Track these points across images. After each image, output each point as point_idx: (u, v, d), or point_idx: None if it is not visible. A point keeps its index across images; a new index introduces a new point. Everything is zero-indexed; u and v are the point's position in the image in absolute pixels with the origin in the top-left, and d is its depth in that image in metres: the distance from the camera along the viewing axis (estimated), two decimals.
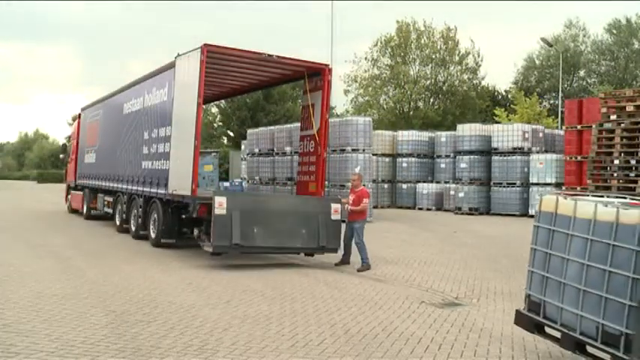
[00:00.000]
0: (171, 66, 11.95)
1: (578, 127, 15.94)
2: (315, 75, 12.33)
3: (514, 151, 22.37)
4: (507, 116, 35.78)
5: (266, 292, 8.10)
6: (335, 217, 10.47)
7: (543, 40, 39.98)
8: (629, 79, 43.59)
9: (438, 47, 42.90)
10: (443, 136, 26.22)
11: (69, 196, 21.49)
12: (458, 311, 7.22)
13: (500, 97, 46.85)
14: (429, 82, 43.57)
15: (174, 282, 8.68)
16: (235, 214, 9.58)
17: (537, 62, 48.64)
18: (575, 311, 4.71)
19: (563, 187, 16.97)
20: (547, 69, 47.56)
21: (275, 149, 22.88)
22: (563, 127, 20.04)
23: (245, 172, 26.12)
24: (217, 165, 23.39)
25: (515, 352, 5.61)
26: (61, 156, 24.38)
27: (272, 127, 24.81)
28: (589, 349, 4.67)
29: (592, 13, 75.49)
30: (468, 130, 23.85)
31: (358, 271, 9.89)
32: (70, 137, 24.72)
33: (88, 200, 18.47)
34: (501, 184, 22.32)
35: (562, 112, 27.40)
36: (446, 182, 24.60)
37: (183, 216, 11.53)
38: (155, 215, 12.45)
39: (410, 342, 5.83)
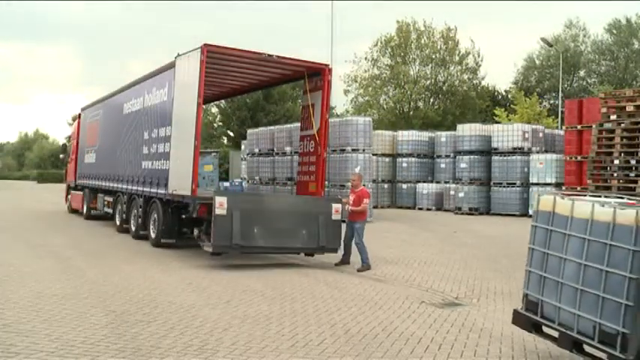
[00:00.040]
0: (171, 66, 11.95)
1: (578, 127, 15.93)
2: (315, 75, 12.33)
3: (514, 151, 22.38)
4: (507, 116, 35.78)
5: (266, 292, 8.10)
6: (335, 217, 10.46)
7: (543, 40, 39.99)
8: (629, 79, 43.59)
9: (438, 47, 42.90)
10: (443, 136, 26.22)
11: (69, 196, 21.49)
12: (458, 311, 7.22)
13: (500, 97, 46.86)
14: (429, 82, 43.57)
15: (174, 282, 8.68)
16: (236, 214, 9.58)
17: (537, 62, 48.65)
18: (573, 310, 4.73)
19: (563, 187, 16.96)
20: (547, 69, 47.57)
21: (275, 149, 22.89)
22: (563, 127, 20.03)
23: (245, 172, 26.13)
24: (217, 165, 23.39)
25: (515, 352, 5.61)
26: (61, 156, 24.38)
27: (272, 127, 24.81)
28: (586, 348, 4.69)
29: (592, 13, 75.62)
30: (468, 130, 23.85)
31: (358, 271, 9.89)
32: (70, 137, 24.74)
33: (88, 200, 18.47)
34: (501, 184, 22.32)
35: (562, 112, 27.40)
36: (446, 182, 24.60)
37: (183, 216, 11.53)
38: (155, 215, 12.45)
39: (410, 342, 5.83)
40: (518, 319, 5.42)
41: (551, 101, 45.80)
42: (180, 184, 11.13)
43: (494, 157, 22.77)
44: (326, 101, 12.02)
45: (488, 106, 42.73)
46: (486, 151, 23.14)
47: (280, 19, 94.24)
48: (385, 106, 44.28)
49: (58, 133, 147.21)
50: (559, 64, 38.72)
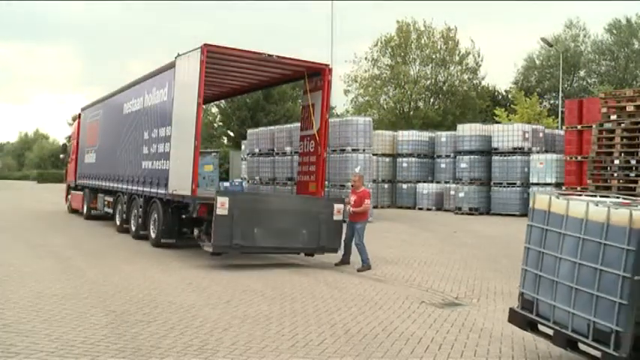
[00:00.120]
0: (171, 66, 11.95)
1: (579, 127, 15.92)
2: (315, 75, 12.33)
3: (514, 151, 22.38)
4: (507, 116, 35.78)
5: (266, 292, 8.10)
6: (337, 217, 10.46)
7: (543, 40, 39.98)
8: (629, 79, 43.58)
9: (438, 47, 42.90)
10: (443, 136, 26.23)
11: (69, 196, 21.49)
12: (458, 311, 7.22)
13: (500, 97, 46.86)
14: (429, 82, 43.58)
15: (174, 282, 8.68)
16: (237, 215, 9.58)
17: (537, 62, 48.64)
18: (568, 309, 4.78)
19: (564, 187, 16.95)
20: (547, 69, 47.55)
21: (275, 149, 22.88)
22: (564, 127, 20.02)
23: (245, 172, 26.12)
24: (217, 165, 23.43)
25: (515, 352, 5.61)
26: (61, 156, 24.39)
27: (272, 127, 24.81)
28: (581, 346, 4.73)
29: (592, 13, 75.62)
30: (468, 130, 23.85)
31: (358, 271, 9.89)
32: (70, 137, 24.73)
33: (88, 200, 18.47)
34: (501, 184, 22.32)
35: (562, 112, 27.39)
36: (446, 182, 24.60)
37: (184, 216, 11.53)
38: (155, 215, 12.45)
39: (410, 342, 5.83)
40: (514, 317, 5.46)
41: (552, 101, 45.80)
42: (180, 184, 11.13)
43: (495, 157, 22.77)
44: (326, 101, 12.02)
45: (489, 106, 42.74)
46: (486, 151, 23.14)
47: (280, 19, 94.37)
48: (385, 106, 44.28)
49: (58, 133, 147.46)
50: (559, 64, 38.71)
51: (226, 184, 26.08)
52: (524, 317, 5.28)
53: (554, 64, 45.04)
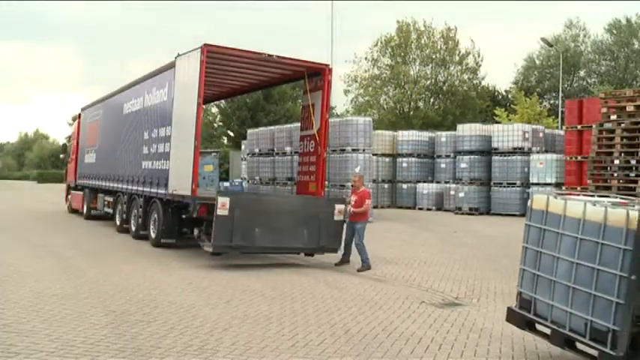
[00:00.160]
0: (171, 66, 11.95)
1: (579, 127, 15.91)
2: (315, 75, 12.33)
3: (514, 151, 22.38)
4: (507, 116, 35.78)
5: (266, 292, 8.10)
6: (338, 217, 10.46)
7: (543, 40, 39.98)
8: (629, 79, 43.58)
9: (438, 47, 42.89)
10: (443, 136, 26.23)
11: (69, 196, 21.49)
12: (458, 311, 7.22)
13: (500, 97, 46.85)
14: (429, 82, 43.57)
15: (174, 282, 8.68)
16: (237, 215, 9.57)
17: (537, 62, 48.64)
18: (565, 308, 4.80)
19: (564, 187, 16.95)
20: (547, 69, 47.55)
21: (275, 149, 22.88)
22: (564, 127, 20.01)
23: (245, 172, 26.12)
24: (217, 165, 23.40)
25: (515, 352, 5.61)
26: (61, 156, 24.39)
27: (272, 127, 24.81)
28: (578, 345, 4.75)
29: (592, 13, 75.61)
30: (468, 130, 23.85)
31: (358, 271, 9.89)
32: (70, 137, 24.73)
33: (88, 200, 18.47)
34: (501, 184, 22.32)
35: (562, 112, 27.39)
36: (446, 182, 24.60)
37: (184, 216, 11.53)
38: (155, 215, 12.45)
39: (410, 342, 5.83)
40: (512, 316, 5.48)
41: (552, 101, 45.80)
42: (180, 184, 11.13)
43: (495, 157, 22.77)
44: (326, 101, 12.02)
45: (489, 106, 42.73)
46: (486, 151, 23.14)
47: (280, 19, 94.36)
48: (385, 106, 44.28)
49: (58, 133, 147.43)
50: (559, 64, 38.71)
51: (226, 184, 26.08)
52: (522, 316, 5.31)
53: (554, 64, 45.04)
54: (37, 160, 78.09)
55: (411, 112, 42.97)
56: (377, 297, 7.92)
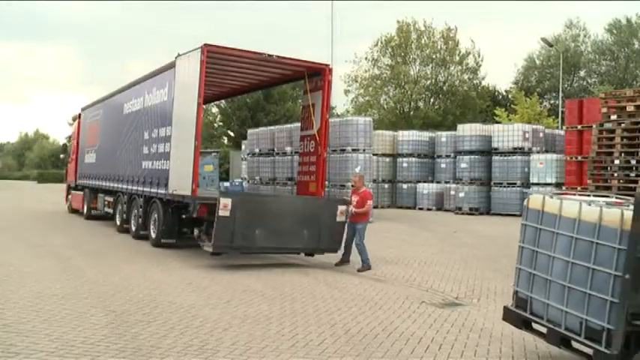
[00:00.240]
0: (171, 66, 11.95)
1: (579, 127, 15.91)
2: (316, 75, 12.33)
3: (514, 151, 22.37)
4: (508, 116, 35.77)
5: (266, 292, 8.10)
6: (340, 218, 10.45)
7: (543, 40, 39.97)
8: (630, 79, 43.57)
9: (439, 47, 42.87)
10: (443, 136, 26.21)
11: (69, 196, 21.50)
12: (458, 311, 7.22)
13: (500, 97, 46.83)
14: (429, 82, 43.55)
15: (174, 282, 8.68)
16: (239, 216, 9.56)
17: (537, 62, 48.62)
18: (561, 307, 4.83)
19: (564, 187, 16.94)
20: (547, 69, 47.54)
21: (275, 149, 22.88)
22: (564, 127, 20.01)
23: (245, 172, 26.12)
24: (217, 165, 23.42)
25: (515, 352, 5.61)
26: (62, 156, 24.40)
27: (272, 127, 24.81)
28: (574, 344, 4.78)
29: (592, 13, 75.59)
30: (469, 130, 23.83)
31: (358, 271, 9.89)
32: (70, 137, 24.74)
33: (89, 200, 18.48)
34: (502, 184, 22.31)
35: (562, 112, 27.38)
36: (446, 182, 24.59)
37: (184, 216, 11.54)
38: (155, 215, 12.46)
39: (410, 342, 5.83)
40: (508, 315, 5.51)
41: (552, 101, 45.79)
42: (180, 184, 11.13)
43: (495, 157, 22.76)
44: (326, 101, 12.03)
45: (489, 106, 42.72)
46: (487, 151, 23.13)
47: (280, 19, 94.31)
48: (385, 106, 44.27)
49: (58, 133, 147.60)
50: (559, 64, 38.70)
51: (226, 184, 26.08)
52: (519, 315, 5.34)
53: (554, 64, 45.03)
54: (37, 160, 78.10)
55: (411, 112, 42.96)
56: (377, 297, 7.92)
